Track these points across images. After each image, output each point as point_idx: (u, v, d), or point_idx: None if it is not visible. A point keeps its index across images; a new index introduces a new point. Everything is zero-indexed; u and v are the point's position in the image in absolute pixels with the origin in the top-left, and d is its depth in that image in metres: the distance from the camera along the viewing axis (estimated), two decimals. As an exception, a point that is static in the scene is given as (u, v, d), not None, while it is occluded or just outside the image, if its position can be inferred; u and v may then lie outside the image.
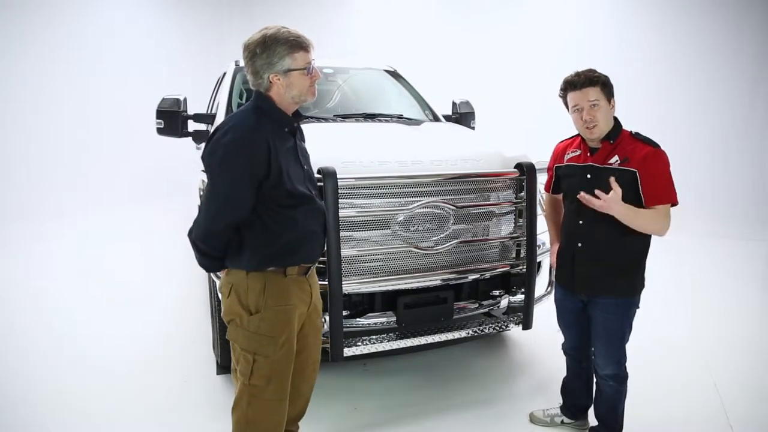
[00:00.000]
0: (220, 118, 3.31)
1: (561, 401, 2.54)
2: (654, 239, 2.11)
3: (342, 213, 2.24)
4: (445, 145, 2.95)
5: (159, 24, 8.87)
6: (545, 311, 2.78)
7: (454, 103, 4.28)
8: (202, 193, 2.46)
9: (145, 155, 8.12)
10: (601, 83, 2.03)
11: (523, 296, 2.65)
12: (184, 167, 7.43)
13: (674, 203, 2.02)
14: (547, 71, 6.78)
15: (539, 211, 2.66)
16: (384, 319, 2.48)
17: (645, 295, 2.17)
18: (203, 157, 1.70)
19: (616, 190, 1.95)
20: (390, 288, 2.43)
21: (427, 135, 3.22)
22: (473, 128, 4.14)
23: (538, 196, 2.68)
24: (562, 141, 2.35)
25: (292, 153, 1.75)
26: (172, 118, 3.51)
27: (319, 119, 3.26)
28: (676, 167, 2.06)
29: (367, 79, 4.22)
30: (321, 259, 2.07)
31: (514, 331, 3.01)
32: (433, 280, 2.49)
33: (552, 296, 2.50)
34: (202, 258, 1.77)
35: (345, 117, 3.40)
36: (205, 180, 1.75)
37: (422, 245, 2.44)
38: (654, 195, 2.00)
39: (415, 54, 8.35)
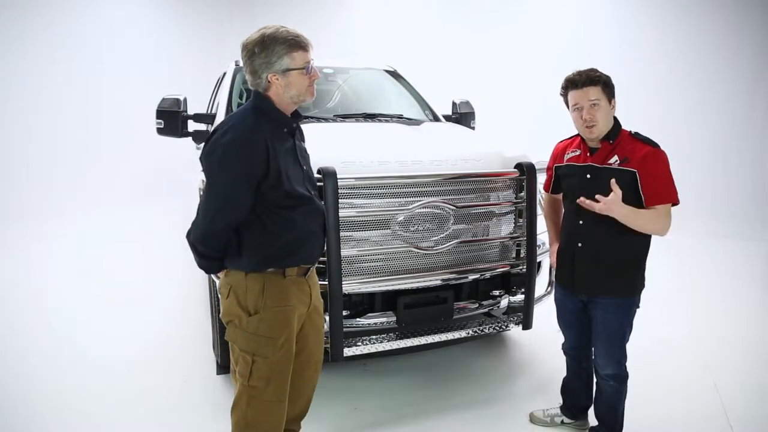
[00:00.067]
0: (220, 118, 3.31)
1: (561, 401, 2.54)
2: (654, 239, 2.11)
3: (342, 213, 2.24)
4: (445, 145, 2.95)
5: (159, 24, 8.87)
6: (545, 311, 2.78)
7: (454, 103, 4.28)
8: (201, 193, 2.46)
9: (145, 155, 8.12)
10: (602, 83, 2.03)
11: (523, 296, 2.65)
12: (184, 167, 7.45)
13: (675, 203, 2.02)
14: (547, 71, 6.78)
15: (539, 211, 2.66)
16: (384, 319, 2.48)
17: (645, 295, 2.17)
18: (202, 158, 1.70)
19: (617, 192, 1.95)
20: (390, 288, 2.43)
21: (427, 135, 3.22)
22: (473, 128, 4.14)
23: (538, 196, 2.68)
24: (561, 141, 2.35)
25: (291, 153, 1.75)
26: (172, 118, 3.51)
27: (319, 119, 3.27)
28: (676, 167, 2.06)
29: (367, 79, 4.22)
30: (321, 259, 2.07)
31: (514, 331, 3.01)
32: (433, 280, 2.49)
33: (552, 296, 2.50)
34: (200, 260, 1.76)
35: (345, 117, 3.40)
36: (205, 180, 1.75)
37: (422, 245, 2.44)
38: (654, 195, 2.00)
39: (415, 54, 8.35)
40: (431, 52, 8.66)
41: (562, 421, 2.51)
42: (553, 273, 2.72)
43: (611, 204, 1.95)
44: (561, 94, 2.14)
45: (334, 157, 2.32)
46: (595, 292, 2.15)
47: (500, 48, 8.45)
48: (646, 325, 2.97)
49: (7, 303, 4.08)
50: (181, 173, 7.86)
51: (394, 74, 4.27)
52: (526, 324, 2.65)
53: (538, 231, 2.64)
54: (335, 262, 2.20)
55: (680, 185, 2.04)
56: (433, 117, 3.90)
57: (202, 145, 1.83)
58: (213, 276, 2.52)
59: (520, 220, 2.66)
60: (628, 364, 2.21)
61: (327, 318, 2.25)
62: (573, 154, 2.21)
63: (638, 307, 2.16)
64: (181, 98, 3.55)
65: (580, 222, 2.14)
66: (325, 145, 2.45)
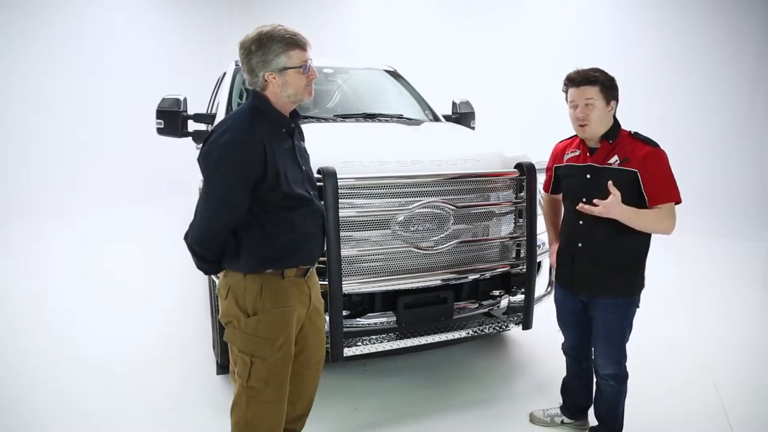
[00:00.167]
0: (220, 118, 3.30)
1: (561, 401, 2.54)
2: (654, 239, 2.11)
3: (342, 213, 2.23)
4: (445, 145, 2.95)
5: (159, 24, 8.87)
6: (545, 311, 2.78)
7: (454, 103, 4.28)
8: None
9: (145, 155, 8.12)
10: (600, 84, 2.02)
11: (523, 296, 2.65)
12: (184, 167, 7.41)
13: (677, 201, 2.02)
14: (547, 71, 6.79)
15: (539, 211, 2.67)
16: (384, 319, 2.48)
17: (645, 295, 2.17)
18: (199, 159, 1.68)
19: (615, 194, 1.95)
20: (390, 288, 2.43)
21: (427, 135, 3.22)
22: (473, 128, 4.14)
23: (538, 196, 2.68)
24: (561, 141, 2.35)
25: (290, 154, 1.74)
26: (172, 118, 3.51)
27: (319, 119, 3.27)
28: (676, 167, 2.06)
29: (367, 79, 4.22)
30: (321, 259, 2.07)
31: (514, 331, 3.02)
32: (433, 280, 2.49)
33: (552, 296, 2.50)
34: (199, 261, 1.75)
35: (345, 117, 3.40)
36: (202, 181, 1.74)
37: (422, 245, 2.44)
38: (657, 194, 2.00)
39: (415, 54, 8.35)
40: (431, 52, 8.66)
41: (562, 421, 2.51)
42: (553, 273, 2.72)
43: (610, 207, 1.95)
44: (563, 90, 2.15)
45: (334, 157, 2.32)
46: (595, 292, 2.15)
47: (500, 48, 8.46)
48: (646, 325, 2.97)
49: (7, 303, 4.08)
50: (181, 173, 7.84)
51: (394, 74, 4.27)
52: (526, 324, 2.65)
53: (538, 231, 2.65)
54: (335, 262, 2.20)
55: (680, 185, 2.04)
56: (433, 117, 3.90)
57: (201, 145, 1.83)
58: (213, 276, 2.52)
59: (520, 220, 2.66)
60: (628, 363, 2.21)
61: (327, 318, 2.25)
62: (572, 154, 2.21)
63: (638, 306, 2.16)
64: (181, 98, 3.55)
65: (580, 222, 2.14)
66: (325, 145, 2.45)
